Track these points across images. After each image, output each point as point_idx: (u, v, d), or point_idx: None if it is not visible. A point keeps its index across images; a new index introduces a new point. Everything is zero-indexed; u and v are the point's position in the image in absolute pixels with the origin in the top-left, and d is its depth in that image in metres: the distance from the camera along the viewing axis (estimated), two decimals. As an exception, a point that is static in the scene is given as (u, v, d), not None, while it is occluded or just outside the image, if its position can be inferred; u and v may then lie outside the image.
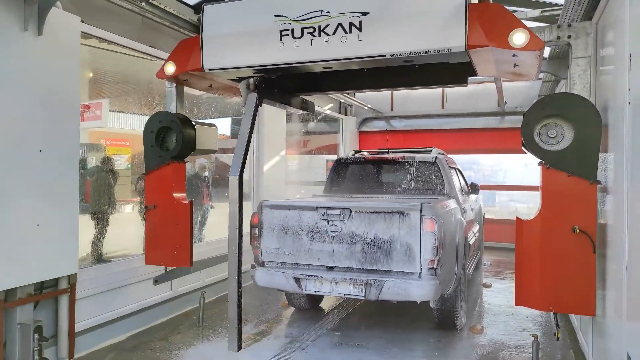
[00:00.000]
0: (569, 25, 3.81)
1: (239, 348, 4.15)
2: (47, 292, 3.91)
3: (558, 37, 3.83)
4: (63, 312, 4.03)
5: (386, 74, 4.32)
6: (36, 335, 3.70)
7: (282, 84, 4.50)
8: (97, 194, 6.24)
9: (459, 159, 10.35)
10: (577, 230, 3.18)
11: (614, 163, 3.18)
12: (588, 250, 3.18)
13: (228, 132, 15.48)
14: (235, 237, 3.75)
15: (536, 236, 3.34)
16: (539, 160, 3.42)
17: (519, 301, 3.46)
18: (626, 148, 2.69)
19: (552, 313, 3.51)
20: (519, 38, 3.30)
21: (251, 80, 4.03)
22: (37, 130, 3.68)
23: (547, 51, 5.43)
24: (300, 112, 5.36)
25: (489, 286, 7.00)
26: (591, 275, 3.19)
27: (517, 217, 3.49)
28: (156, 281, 4.45)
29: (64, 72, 3.90)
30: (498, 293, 6.57)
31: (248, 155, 7.57)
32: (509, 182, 11.10)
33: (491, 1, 3.67)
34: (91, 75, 6.09)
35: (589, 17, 4.08)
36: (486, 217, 8.91)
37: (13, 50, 3.49)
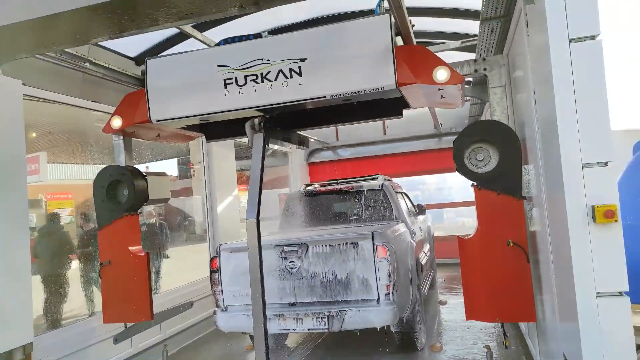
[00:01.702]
0: (484, 59, 4.29)
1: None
2: (0, 364, 3.79)
3: (475, 70, 4.31)
4: (19, 383, 3.90)
5: (328, 112, 4.62)
6: (-8, 412, 3.57)
7: (282, 122, 4.55)
8: (46, 254, 6.08)
9: (406, 181, 10.89)
10: (511, 244, 3.53)
11: (534, 175, 3.60)
12: (522, 261, 3.52)
13: (176, 173, 15.31)
14: (258, 282, 3.48)
15: (476, 253, 3.66)
16: (471, 182, 3.79)
17: (469, 316, 3.74)
18: (540, 165, 3.09)
19: (499, 323, 3.82)
20: (441, 74, 3.69)
21: (256, 120, 4.04)
22: (-18, 197, 3.65)
23: (471, 79, 5.97)
24: (296, 147, 5.43)
25: (444, 303, 7.34)
26: (528, 283, 3.53)
27: (458, 237, 3.82)
28: (116, 340, 4.38)
29: (9, 136, 3.91)
30: (453, 309, 6.91)
31: (201, 197, 7.60)
32: (454, 199, 11.73)
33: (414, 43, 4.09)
34: (27, 128, 6.04)
35: (501, 48, 4.62)
36: (436, 234, 9.36)
37: (-46, 120, 3.49)
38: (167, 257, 8.10)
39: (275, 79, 3.91)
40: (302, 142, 5.30)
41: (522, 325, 5.37)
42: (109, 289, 4.32)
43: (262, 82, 3.94)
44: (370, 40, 3.67)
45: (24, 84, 4.13)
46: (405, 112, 4.78)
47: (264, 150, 3.95)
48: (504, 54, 4.45)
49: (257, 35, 3.94)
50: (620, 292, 2.32)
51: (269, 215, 11.17)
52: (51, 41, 3.42)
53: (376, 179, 6.47)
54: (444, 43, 6.55)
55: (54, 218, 6.59)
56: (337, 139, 11.69)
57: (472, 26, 5.85)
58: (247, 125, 4.08)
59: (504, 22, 4.05)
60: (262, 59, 3.96)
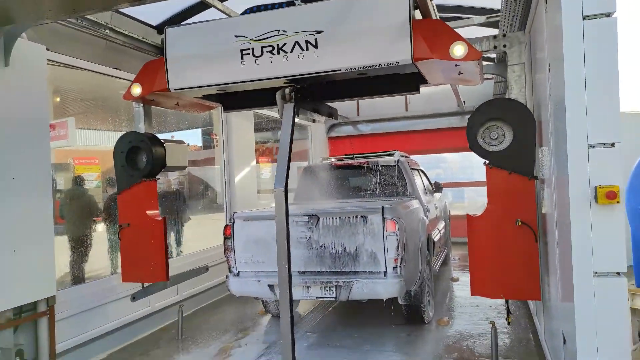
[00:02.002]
0: (504, 36, 4.20)
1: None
2: (26, 316, 4.06)
3: (495, 47, 4.22)
4: (43, 334, 4.18)
5: (344, 85, 4.62)
6: (17, 359, 3.84)
7: (313, 93, 4.54)
8: (72, 215, 6.36)
9: (426, 159, 10.80)
10: (520, 223, 3.54)
11: (546, 156, 3.57)
12: (530, 240, 3.53)
13: (200, 143, 15.56)
14: (285, 250, 3.55)
15: (484, 230, 3.69)
16: (484, 161, 3.78)
17: (474, 291, 3.80)
18: (551, 145, 3.07)
19: (503, 300, 3.87)
20: (458, 50, 3.64)
21: (286, 90, 4.04)
22: (9, 158, 3.84)
23: (494, 55, 5.85)
24: (324, 119, 5.38)
25: (456, 280, 7.40)
26: (535, 263, 3.55)
27: (467, 214, 3.84)
28: (134, 298, 4.62)
29: (33, 100, 4.07)
30: (465, 286, 6.96)
31: (220, 167, 7.76)
32: (476, 178, 11.60)
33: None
34: (55, 94, 6.23)
35: (524, 25, 4.50)
36: (454, 213, 9.34)
37: (-19, 83, 3.66)
38: (189, 219, 8.34)
39: (291, 51, 3.93)
40: (331, 114, 5.26)
41: (531, 305, 5.40)
42: (128, 250, 4.54)
43: (278, 53, 3.96)
44: (388, 13, 3.64)
45: (47, 49, 4.26)
46: (427, 88, 4.73)
47: (294, 120, 3.94)
48: (526, 31, 4.34)
49: (290, 3, 3.93)
50: (617, 273, 2.33)
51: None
52: (72, 7, 3.51)
53: (392, 155, 6.48)
54: (469, 18, 6.41)
55: (80, 182, 6.85)
56: (358, 114, 11.63)
57: (498, 1, 5.70)
58: (278, 95, 4.08)
59: (527, -3, 3.95)
60: (278, 30, 3.98)
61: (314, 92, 4.60)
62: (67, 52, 4.70)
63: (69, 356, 4.56)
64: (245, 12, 4.12)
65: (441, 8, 6.77)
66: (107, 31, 4.52)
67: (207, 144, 13.79)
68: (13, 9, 3.43)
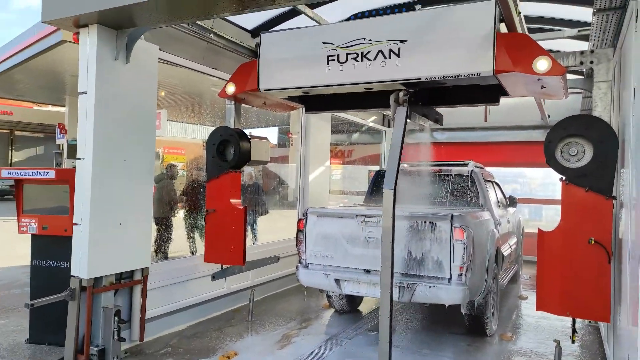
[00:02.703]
0: (591, 52, 4.14)
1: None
2: (125, 282, 4.65)
3: (581, 62, 4.18)
4: (137, 300, 4.76)
5: (423, 93, 4.76)
6: (116, 318, 4.42)
7: (423, 98, 4.62)
8: (161, 199, 7.05)
9: (503, 172, 10.50)
10: (593, 242, 3.51)
11: (628, 178, 3.50)
12: (603, 260, 3.49)
13: (275, 141, 16.21)
14: (389, 253, 3.54)
15: (555, 246, 3.68)
16: (560, 176, 3.77)
17: (540, 306, 3.80)
18: (632, 166, 3.04)
19: (570, 318, 3.84)
20: (542, 64, 3.68)
21: (401, 93, 4.12)
22: (123, 143, 4.45)
23: (584, 69, 5.71)
24: (428, 124, 5.51)
25: (525, 298, 7.23)
26: (606, 283, 3.50)
27: (538, 229, 3.85)
28: (213, 277, 5.08)
29: (145, 93, 4.68)
30: (533, 304, 6.76)
31: (295, 165, 8.17)
32: (557, 196, 11.04)
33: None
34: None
35: (615, 42, 4.40)
36: (528, 230, 9.06)
37: (107, 76, 4.28)
38: (267, 212, 8.87)
39: (375, 59, 4.15)
40: (437, 119, 5.39)
41: (602, 330, 5.22)
42: (212, 233, 5.00)
43: (362, 60, 4.20)
44: (472, 25, 3.75)
45: (160, 49, 4.84)
46: (509, 100, 4.71)
47: (405, 123, 4.06)
48: (618, 47, 4.25)
49: (410, 7, 4.10)
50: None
51: (359, 190, 11.56)
52: (185, 13, 4.01)
53: (466, 165, 6.51)
54: (559, 30, 6.28)
55: (171, 169, 7.56)
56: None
57: (589, 14, 5.57)
58: (392, 98, 4.19)
59: (619, 14, 3.88)
60: (364, 39, 4.23)
61: (429, 97, 4.69)
62: (174, 51, 5.28)
63: (155, 323, 5.12)
64: (349, 18, 4.41)
65: (533, 19, 6.69)
66: (211, 35, 5.03)
67: (283, 142, 14.40)
68: (136, 14, 3.99)
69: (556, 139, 3.77)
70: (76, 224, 4.25)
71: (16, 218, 4.89)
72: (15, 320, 5.59)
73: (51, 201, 4.84)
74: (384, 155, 11.64)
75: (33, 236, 4.87)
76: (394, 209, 3.59)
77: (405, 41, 4.06)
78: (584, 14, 6.01)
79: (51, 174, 4.59)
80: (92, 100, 4.18)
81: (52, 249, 4.76)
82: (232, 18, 6.06)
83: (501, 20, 3.86)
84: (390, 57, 4.12)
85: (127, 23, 4.13)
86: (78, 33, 4.28)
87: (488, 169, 7.46)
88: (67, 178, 4.53)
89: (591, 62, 4.12)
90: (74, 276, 4.25)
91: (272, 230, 8.75)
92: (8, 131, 30.48)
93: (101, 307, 4.40)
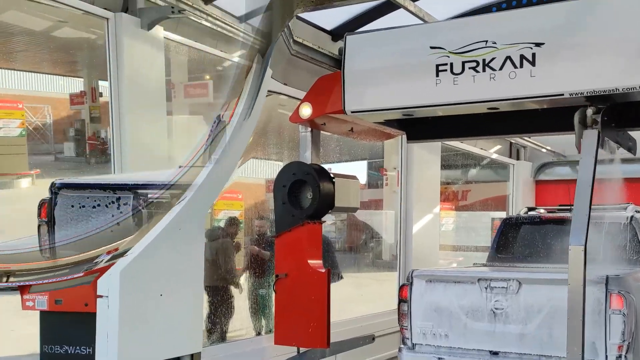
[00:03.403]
0: None
1: None
2: (167, 373, 4.72)
3: None
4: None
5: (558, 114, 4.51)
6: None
7: (614, 117, 4.37)
8: (216, 263, 7.19)
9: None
10: None
11: None
12: None
13: (363, 180, 16.12)
14: (579, 331, 3.54)
15: None
16: None
17: None
18: None
19: None
20: None
21: (589, 111, 3.97)
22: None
23: None
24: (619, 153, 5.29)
25: None
26: None
27: None
28: (287, 365, 5.07)
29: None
30: None
31: (393, 212, 8.11)
32: None
33: None
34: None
35: None
36: None
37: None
38: (341, 278, 8.81)
39: (501, 68, 4.03)
40: (631, 148, 5.15)
41: None
42: (284, 306, 4.94)
43: (484, 70, 4.07)
44: (636, 23, 3.59)
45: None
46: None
47: (597, 152, 3.95)
48: None
49: None
50: None
51: (478, 244, 11.22)
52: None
53: (625, 209, 6.39)
54: None
55: (232, 225, 7.60)
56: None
57: None
58: (576, 118, 4.03)
59: None
60: (486, 41, 4.09)
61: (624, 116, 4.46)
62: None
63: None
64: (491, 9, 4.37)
65: None
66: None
67: (373, 181, 14.22)
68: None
69: None
70: (101, 296, 4.38)
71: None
72: None
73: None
74: (512, 198, 11.30)
75: (42, 313, 4.93)
76: (584, 274, 3.51)
77: (542, 44, 3.90)
78: None
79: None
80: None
81: (68, 330, 4.82)
82: (307, 16, 6.09)
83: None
84: (521, 66, 3.96)
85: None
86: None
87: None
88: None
89: None
90: (100, 366, 4.36)
91: (364, 299, 8.67)
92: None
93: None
